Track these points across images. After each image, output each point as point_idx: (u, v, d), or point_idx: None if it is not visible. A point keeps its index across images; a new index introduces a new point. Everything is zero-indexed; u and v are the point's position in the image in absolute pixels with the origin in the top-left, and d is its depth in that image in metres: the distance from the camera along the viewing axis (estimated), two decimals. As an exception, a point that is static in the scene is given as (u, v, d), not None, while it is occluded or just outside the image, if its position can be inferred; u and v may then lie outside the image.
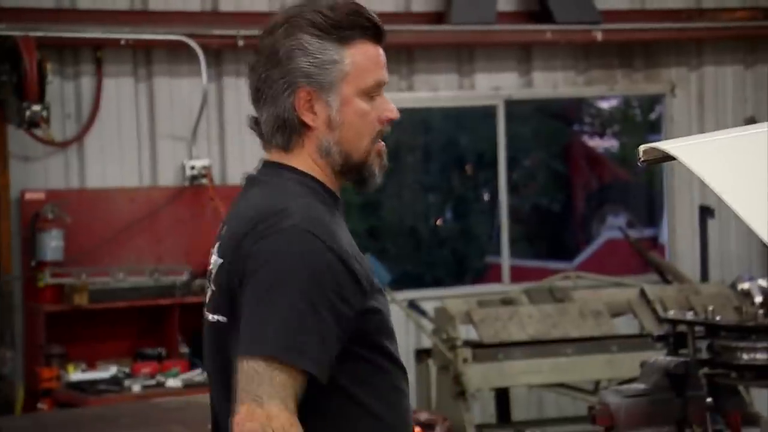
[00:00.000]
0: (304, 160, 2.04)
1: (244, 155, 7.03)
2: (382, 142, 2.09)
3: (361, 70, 2.02)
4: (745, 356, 4.37)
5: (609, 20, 7.58)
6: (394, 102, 8.12)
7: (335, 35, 2.00)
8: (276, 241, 1.93)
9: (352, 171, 2.05)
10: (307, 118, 2.01)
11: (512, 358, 6.10)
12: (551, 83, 7.71)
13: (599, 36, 7.49)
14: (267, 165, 2.08)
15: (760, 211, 1.88)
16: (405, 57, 7.38)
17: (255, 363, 1.90)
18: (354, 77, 2.01)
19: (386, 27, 7.67)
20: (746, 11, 7.95)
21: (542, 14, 7.47)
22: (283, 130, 2.03)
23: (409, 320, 6.80)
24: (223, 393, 1.99)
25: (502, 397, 6.63)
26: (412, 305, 6.84)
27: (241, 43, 6.83)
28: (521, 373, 6.19)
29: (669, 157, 2.20)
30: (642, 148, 2.25)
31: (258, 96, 2.03)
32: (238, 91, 7.02)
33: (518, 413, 7.08)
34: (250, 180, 2.09)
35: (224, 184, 6.92)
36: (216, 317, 2.02)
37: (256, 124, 2.07)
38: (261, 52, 2.03)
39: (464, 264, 8.30)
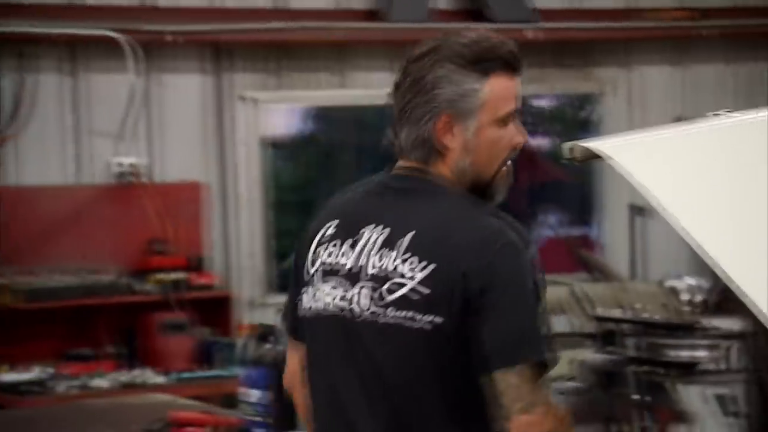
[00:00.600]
0: (443, 174, 2.22)
1: (173, 152, 6.94)
2: (509, 164, 2.27)
3: (498, 99, 2.20)
4: (672, 353, 4.40)
5: (544, 19, 7.60)
6: (327, 99, 8.02)
7: (477, 67, 2.19)
8: (515, 254, 2.12)
9: (479, 189, 2.23)
10: (446, 141, 2.20)
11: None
12: (486, 82, 7.71)
13: (534, 35, 7.51)
14: (420, 173, 2.22)
15: (683, 210, 1.86)
16: (339, 54, 7.33)
17: (533, 368, 2.09)
18: (490, 106, 2.19)
19: (320, 24, 7.52)
20: (680, 11, 8.02)
21: (478, 12, 7.47)
22: (422, 148, 2.21)
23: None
24: (414, 389, 2.12)
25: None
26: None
27: (171, 38, 6.74)
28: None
29: (595, 156, 2.19)
30: (567, 145, 2.24)
31: (401, 115, 2.21)
32: (168, 88, 6.93)
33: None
34: (411, 188, 2.21)
35: (153, 182, 6.82)
36: (423, 317, 2.12)
37: (394, 137, 2.24)
38: (407, 75, 2.21)
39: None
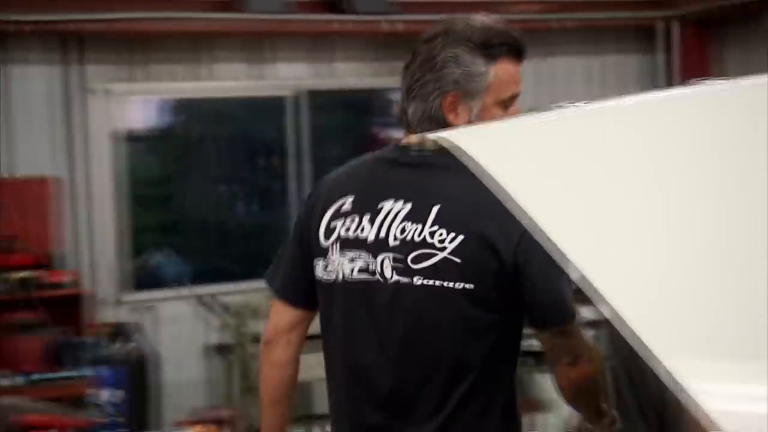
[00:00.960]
0: None
1: (23, 146, 6.72)
2: None
3: (502, 83, 2.34)
4: (527, 343, 4.42)
5: (406, 11, 7.61)
6: (185, 91, 7.83)
7: (485, 51, 2.34)
8: None
9: None
10: (450, 118, 2.32)
11: (307, 351, 6.03)
12: (347, 74, 7.69)
13: (390, 27, 7.51)
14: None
15: (528, 200, 1.85)
16: (197, 45, 7.20)
17: (575, 325, 2.27)
18: (494, 89, 2.34)
19: (179, 14, 7.33)
20: (540, 4, 8.13)
21: (337, 4, 7.44)
22: (429, 123, 2.32)
23: (208, 314, 6.67)
24: (440, 354, 2.23)
25: (302, 390, 6.57)
26: (208, 300, 6.70)
27: (18, 28, 6.50)
28: (318, 366, 6.12)
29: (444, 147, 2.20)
30: (429, 136, 2.26)
31: (409, 92, 2.35)
32: (16, 80, 6.69)
33: (319, 407, 7.03)
34: (426, 162, 2.30)
35: (13, 177, 6.58)
36: (454, 285, 2.21)
37: (402, 113, 2.37)
38: (417, 55, 2.36)
39: (260, 257, 8.19)
